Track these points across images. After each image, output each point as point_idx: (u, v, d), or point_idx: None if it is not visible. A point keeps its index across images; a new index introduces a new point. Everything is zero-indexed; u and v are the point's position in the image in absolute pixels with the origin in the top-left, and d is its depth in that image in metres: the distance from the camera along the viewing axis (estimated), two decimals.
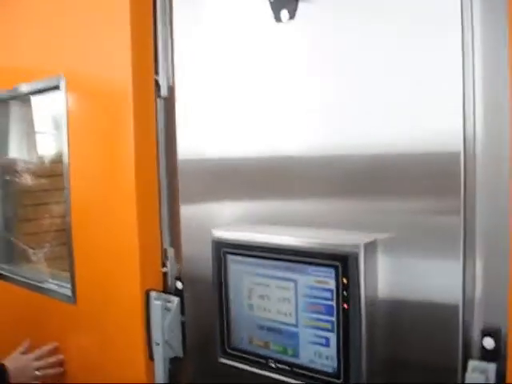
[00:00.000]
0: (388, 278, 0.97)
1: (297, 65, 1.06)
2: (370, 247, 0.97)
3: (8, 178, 2.04)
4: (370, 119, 0.95)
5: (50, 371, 1.66)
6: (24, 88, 1.71)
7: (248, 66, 1.14)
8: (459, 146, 0.86)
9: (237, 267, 1.13)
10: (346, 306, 0.97)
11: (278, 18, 1.05)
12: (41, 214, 1.99)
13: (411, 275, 0.94)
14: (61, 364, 1.69)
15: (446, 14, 0.86)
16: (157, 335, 1.34)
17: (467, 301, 0.89)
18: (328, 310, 1.00)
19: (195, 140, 1.26)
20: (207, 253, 1.17)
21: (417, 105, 0.90)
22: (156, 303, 1.34)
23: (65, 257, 1.64)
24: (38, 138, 2.04)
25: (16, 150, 2.06)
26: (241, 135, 1.17)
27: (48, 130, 1.94)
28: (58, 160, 1.71)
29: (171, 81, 1.33)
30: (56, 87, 1.53)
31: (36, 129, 2.03)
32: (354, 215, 1.00)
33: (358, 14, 0.96)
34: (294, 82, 1.06)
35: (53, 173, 1.86)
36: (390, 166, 0.95)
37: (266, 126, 1.12)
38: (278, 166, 1.10)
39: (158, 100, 1.35)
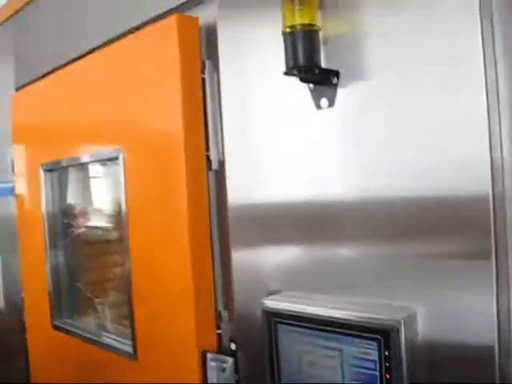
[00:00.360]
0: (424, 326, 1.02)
1: (335, 146, 1.14)
2: (410, 320, 1.02)
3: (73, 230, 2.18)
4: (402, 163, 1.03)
5: None
6: (86, 158, 1.85)
7: (289, 144, 1.23)
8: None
9: (286, 335, 1.20)
10: (388, 375, 1.03)
11: (318, 106, 1.14)
12: (107, 272, 2.12)
13: (446, 320, 0.99)
14: None
15: (466, 46, 0.92)
16: None
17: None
18: (371, 379, 1.06)
19: (246, 208, 1.35)
20: (259, 314, 1.25)
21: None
22: (212, 364, 1.42)
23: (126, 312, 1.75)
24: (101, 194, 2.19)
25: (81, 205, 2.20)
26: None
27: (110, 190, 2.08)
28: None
29: (221, 155, 1.43)
30: (116, 158, 1.65)
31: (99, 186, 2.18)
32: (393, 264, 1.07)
33: (390, 92, 1.03)
34: (333, 164, 1.14)
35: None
36: (423, 210, 1.01)
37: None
38: (326, 212, 1.17)
39: (210, 173, 1.45)
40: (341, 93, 1.11)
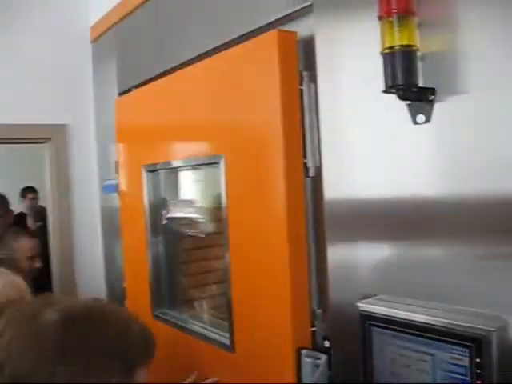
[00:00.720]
0: None
1: (430, 158, 1.19)
2: (503, 330, 1.07)
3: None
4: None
5: None
6: (188, 162, 1.99)
7: (383, 154, 1.29)
8: None
9: (380, 338, 1.27)
10: (479, 382, 1.08)
11: (414, 121, 1.19)
12: (204, 265, 2.26)
13: None
14: None
15: None
16: None
17: None
18: None
19: (342, 213, 1.42)
20: (352, 313, 1.33)
21: None
22: (306, 360, 1.51)
23: (224, 305, 1.86)
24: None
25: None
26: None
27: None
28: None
29: (317, 163, 1.50)
30: (216, 163, 1.76)
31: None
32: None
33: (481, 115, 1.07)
34: (427, 169, 1.20)
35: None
36: None
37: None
38: (420, 216, 1.23)
39: (307, 179, 1.53)
40: (437, 109, 1.16)
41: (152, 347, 1.09)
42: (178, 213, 2.33)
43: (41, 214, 5.20)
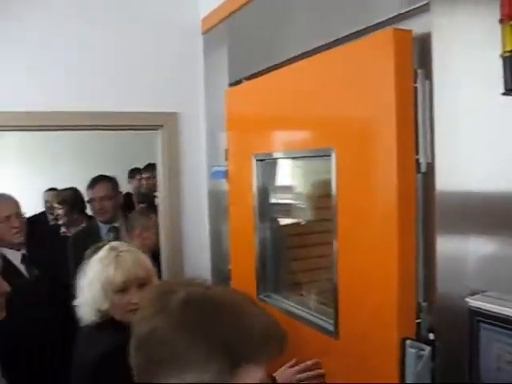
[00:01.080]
0: None
1: None
2: None
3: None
4: None
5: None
6: (303, 153, 2.07)
7: (500, 151, 1.31)
8: None
9: (487, 334, 1.30)
10: None
11: None
12: (309, 251, 2.34)
13: None
14: (321, 378, 1.94)
15: None
16: (409, 379, 1.56)
17: None
18: None
19: (453, 208, 1.45)
20: (459, 308, 1.37)
21: None
22: (411, 351, 1.56)
23: (329, 292, 1.94)
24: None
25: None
26: None
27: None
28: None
29: (429, 159, 1.53)
30: (327, 155, 1.83)
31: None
32: None
33: None
34: None
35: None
36: None
37: None
38: None
39: (418, 175, 1.57)
40: None
41: (275, 344, 1.08)
42: (282, 199, 2.43)
43: (144, 195, 5.51)
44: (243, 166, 2.45)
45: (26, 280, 2.89)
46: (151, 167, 5.42)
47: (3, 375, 1.74)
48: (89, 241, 3.30)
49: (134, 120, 3.04)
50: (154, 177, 5.44)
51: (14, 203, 3.04)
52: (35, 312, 2.71)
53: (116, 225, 3.47)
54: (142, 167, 5.56)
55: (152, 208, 3.60)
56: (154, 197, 5.40)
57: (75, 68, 2.93)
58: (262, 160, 2.32)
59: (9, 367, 1.81)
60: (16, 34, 2.81)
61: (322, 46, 1.97)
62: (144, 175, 5.49)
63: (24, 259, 2.99)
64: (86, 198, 3.50)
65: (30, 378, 2.55)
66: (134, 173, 5.75)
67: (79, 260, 3.17)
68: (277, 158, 2.27)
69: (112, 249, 2.07)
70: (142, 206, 4.88)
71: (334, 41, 1.91)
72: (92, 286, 2.01)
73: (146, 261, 2.07)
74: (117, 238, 3.38)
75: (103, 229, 3.45)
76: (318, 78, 1.90)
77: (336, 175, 1.80)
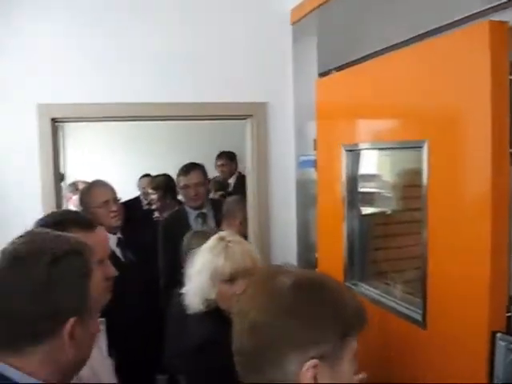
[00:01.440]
0: None
1: None
2: None
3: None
4: None
5: None
6: (393, 144, 2.08)
7: None
8: None
9: None
10: None
11: None
12: (395, 240, 2.35)
13: None
14: None
15: None
16: (497, 373, 1.56)
17: None
18: None
19: None
20: None
21: None
22: (501, 344, 1.55)
23: (416, 281, 1.95)
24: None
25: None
26: None
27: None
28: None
29: None
30: (419, 147, 1.84)
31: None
32: None
33: None
34: None
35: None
36: None
37: None
38: None
39: None
40: None
41: (364, 318, 1.20)
42: (368, 188, 2.45)
43: (220, 183, 5.64)
44: (332, 155, 2.49)
45: (122, 263, 3.01)
46: (225, 155, 5.57)
47: (110, 354, 1.87)
48: (178, 226, 3.47)
49: (224, 110, 3.14)
50: (228, 164, 5.61)
51: (110, 189, 3.19)
52: (129, 294, 2.83)
53: (204, 211, 3.59)
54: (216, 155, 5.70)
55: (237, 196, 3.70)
56: (229, 184, 5.54)
57: (166, 60, 3.06)
58: (350, 150, 2.35)
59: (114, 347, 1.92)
60: (114, 27, 2.98)
61: (414, 37, 1.97)
62: (218, 162, 5.61)
63: (119, 243, 3.14)
64: (179, 185, 3.62)
65: (127, 357, 2.67)
66: (217, 160, 5.90)
67: (168, 244, 3.34)
68: (366, 149, 2.29)
69: (221, 239, 2.13)
70: (220, 193, 5.02)
71: (425, 32, 1.91)
72: (201, 275, 2.07)
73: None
74: (204, 224, 3.50)
75: (191, 214, 3.57)
76: (411, 70, 1.90)
77: (428, 167, 1.81)
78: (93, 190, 3.12)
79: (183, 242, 2.82)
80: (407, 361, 1.97)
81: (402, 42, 2.03)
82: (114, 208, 3.10)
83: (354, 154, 2.37)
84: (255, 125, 3.21)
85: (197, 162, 3.82)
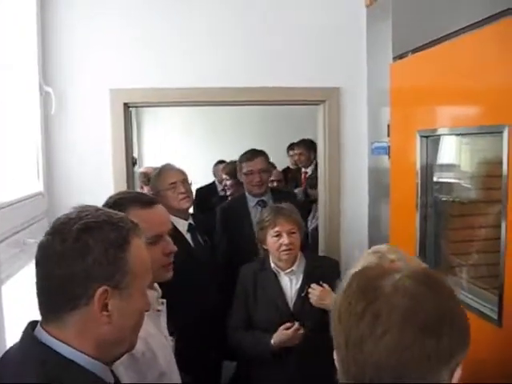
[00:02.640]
0: None
1: None
2: None
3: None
4: None
5: None
6: (470, 129, 1.97)
7: None
8: None
9: None
10: None
11: None
12: (471, 233, 2.23)
13: None
14: None
15: None
16: None
17: None
18: None
19: None
20: None
21: None
22: None
23: (492, 277, 1.83)
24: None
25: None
26: None
27: None
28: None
29: None
30: (498, 132, 1.72)
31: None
32: None
33: None
34: None
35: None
36: None
37: None
38: None
39: None
40: None
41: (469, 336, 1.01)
42: (444, 178, 2.33)
43: (292, 171, 5.54)
44: (406, 142, 2.39)
45: (192, 248, 3.02)
46: (303, 143, 5.46)
47: (177, 340, 1.86)
48: (237, 213, 3.44)
49: (297, 95, 3.08)
50: (306, 153, 5.49)
51: (179, 171, 3.16)
52: (198, 279, 2.84)
53: (264, 198, 3.53)
54: (295, 142, 5.61)
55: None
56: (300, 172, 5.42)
57: (238, 44, 3.04)
58: (426, 136, 2.24)
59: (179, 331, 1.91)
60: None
61: (493, 15, 1.84)
62: (296, 151, 5.52)
63: (190, 228, 3.14)
64: (242, 171, 3.57)
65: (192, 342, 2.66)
66: (289, 148, 5.84)
67: (226, 231, 3.32)
68: (442, 135, 2.18)
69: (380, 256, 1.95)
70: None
71: (505, 10, 1.77)
72: None
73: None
74: None
75: (251, 201, 3.53)
76: (491, 51, 1.79)
77: (508, 154, 1.69)
78: (161, 173, 3.11)
79: (259, 218, 2.76)
80: (480, 360, 1.86)
81: (481, 21, 1.90)
82: (182, 190, 3.05)
83: (430, 140, 2.27)
84: (328, 110, 3.14)
85: (271, 148, 3.78)
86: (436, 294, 0.94)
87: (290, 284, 2.54)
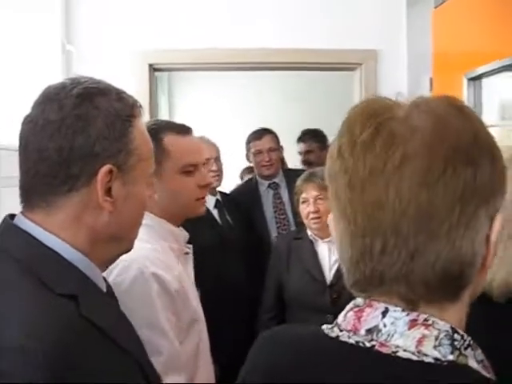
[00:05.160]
0: None
1: None
2: None
3: None
4: None
5: None
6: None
7: None
8: None
9: None
10: None
11: None
12: None
13: None
14: None
15: None
16: None
17: None
18: None
19: None
20: None
21: None
22: None
23: None
24: None
25: None
26: None
27: None
28: None
29: None
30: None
31: None
32: None
33: None
34: None
35: None
36: None
37: None
38: None
39: None
40: None
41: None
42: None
43: None
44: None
45: (219, 225, 2.90)
46: (314, 135, 5.17)
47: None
48: (247, 197, 3.27)
49: (331, 57, 2.90)
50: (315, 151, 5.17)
51: (214, 148, 3.08)
52: (226, 258, 2.73)
53: (276, 180, 3.36)
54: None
55: None
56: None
57: (275, 3, 2.88)
58: (472, 79, 2.08)
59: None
60: None
61: None
62: (306, 145, 5.18)
63: (217, 204, 3.03)
64: (250, 151, 3.40)
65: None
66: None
67: (238, 217, 3.16)
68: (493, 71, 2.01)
69: None
70: None
71: None
72: None
73: None
74: (276, 196, 3.29)
75: (262, 185, 3.34)
76: None
77: None
78: None
79: (296, 187, 2.59)
80: None
81: None
82: (215, 168, 2.96)
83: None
84: (364, 75, 2.96)
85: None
86: (468, 118, 0.67)
87: (329, 253, 2.36)
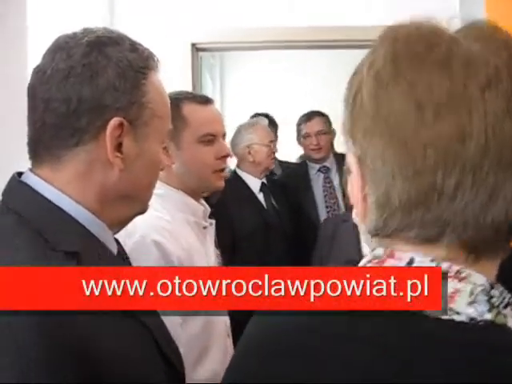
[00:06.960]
0: None
1: None
2: None
3: None
4: None
5: None
6: None
7: None
8: None
9: None
10: None
11: None
12: None
13: None
14: None
15: None
16: None
17: None
18: None
19: None
20: None
21: None
22: None
23: None
24: None
25: None
26: None
27: None
28: None
29: None
30: None
31: None
32: None
33: None
34: None
35: None
36: None
37: None
38: None
39: None
40: None
41: None
42: None
43: None
44: None
45: (264, 209, 2.86)
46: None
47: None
48: (296, 180, 3.18)
49: (365, 34, 2.76)
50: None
51: (273, 131, 3.12)
52: (268, 241, 2.69)
53: (327, 164, 3.25)
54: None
55: None
56: None
57: None
58: None
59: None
60: None
61: None
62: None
63: (263, 188, 2.98)
64: (299, 134, 3.30)
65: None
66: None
67: (284, 202, 3.07)
68: None
69: None
70: None
71: None
72: None
73: None
74: (326, 179, 3.18)
75: (312, 169, 3.23)
76: None
77: None
78: (258, 128, 2.96)
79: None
80: None
81: None
82: (276, 150, 3.00)
83: None
84: None
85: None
86: None
87: None
